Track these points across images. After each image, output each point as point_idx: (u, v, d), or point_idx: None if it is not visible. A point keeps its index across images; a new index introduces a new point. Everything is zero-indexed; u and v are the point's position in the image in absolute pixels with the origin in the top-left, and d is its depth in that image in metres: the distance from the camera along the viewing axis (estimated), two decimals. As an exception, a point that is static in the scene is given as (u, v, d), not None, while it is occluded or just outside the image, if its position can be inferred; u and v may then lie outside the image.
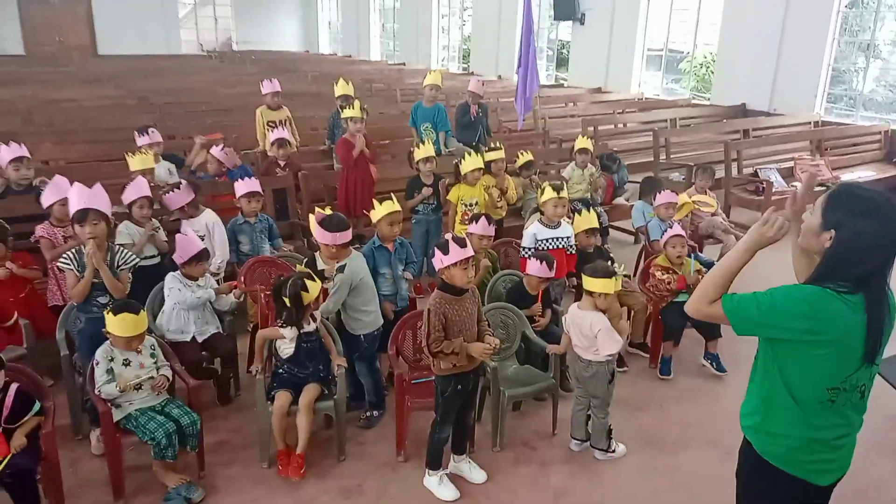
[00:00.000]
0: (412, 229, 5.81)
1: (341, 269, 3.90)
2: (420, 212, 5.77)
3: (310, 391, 3.61)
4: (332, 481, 3.59)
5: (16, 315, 4.06)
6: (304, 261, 4.37)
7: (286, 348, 3.64)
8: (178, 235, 4.22)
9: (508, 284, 4.55)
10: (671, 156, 8.85)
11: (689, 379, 4.69)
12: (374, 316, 4.03)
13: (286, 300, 3.55)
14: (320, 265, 4.12)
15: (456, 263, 3.21)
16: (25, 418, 3.09)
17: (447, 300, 3.28)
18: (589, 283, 3.63)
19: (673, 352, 4.70)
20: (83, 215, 3.59)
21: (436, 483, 3.49)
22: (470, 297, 3.36)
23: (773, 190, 7.68)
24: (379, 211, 4.25)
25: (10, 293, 4.21)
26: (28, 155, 5.11)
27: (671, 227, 4.80)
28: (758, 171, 8.34)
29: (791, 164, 8.66)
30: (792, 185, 8.21)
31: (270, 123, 6.96)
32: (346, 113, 6.03)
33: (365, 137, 6.01)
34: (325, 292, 3.86)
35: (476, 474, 3.60)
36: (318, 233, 3.90)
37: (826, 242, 2.02)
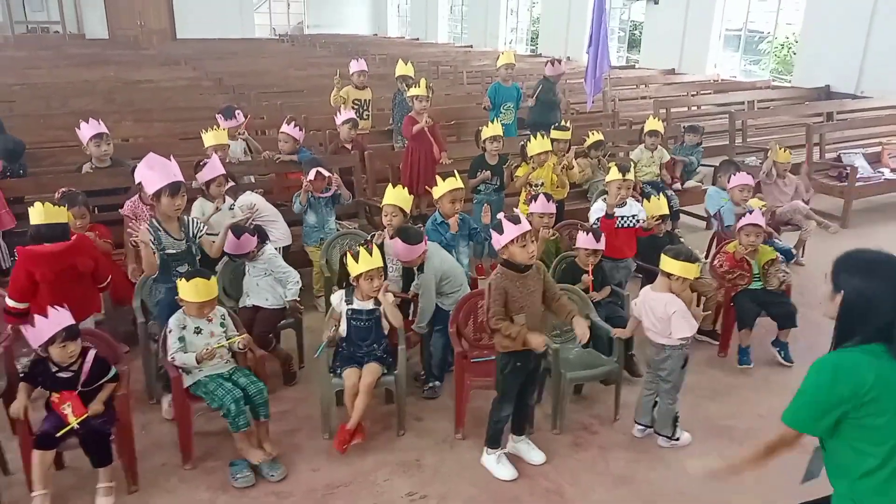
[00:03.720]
0: (473, 209, 5.77)
1: (421, 270, 3.91)
2: (482, 192, 5.73)
3: (370, 373, 3.62)
4: (390, 455, 3.62)
5: (109, 277, 4.12)
6: (371, 236, 4.39)
7: (342, 326, 3.68)
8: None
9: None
10: (748, 139, 8.48)
11: (760, 368, 4.50)
12: (462, 290, 4.07)
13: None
14: (387, 242, 4.13)
15: (513, 241, 3.17)
16: (101, 381, 3.24)
17: (509, 276, 3.23)
18: (669, 264, 3.51)
19: (749, 340, 4.53)
20: (177, 188, 3.71)
21: (494, 462, 3.48)
22: (534, 275, 3.30)
23: (858, 176, 7.27)
24: (441, 187, 4.24)
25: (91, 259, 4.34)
26: (107, 131, 5.29)
27: (750, 213, 4.57)
28: (841, 155, 7.90)
29: (879, 148, 8.15)
30: (878, 171, 7.75)
31: (356, 102, 7.03)
32: (412, 91, 6.03)
33: (431, 120, 6.00)
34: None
35: (535, 455, 3.56)
36: (398, 248, 3.88)
37: (838, 306, 2.11)
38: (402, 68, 7.06)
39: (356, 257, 3.58)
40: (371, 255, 3.60)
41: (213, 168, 4.57)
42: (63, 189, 4.55)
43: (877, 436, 2.04)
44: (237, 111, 6.18)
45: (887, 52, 9.66)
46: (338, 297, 3.72)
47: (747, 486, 3.40)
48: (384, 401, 3.98)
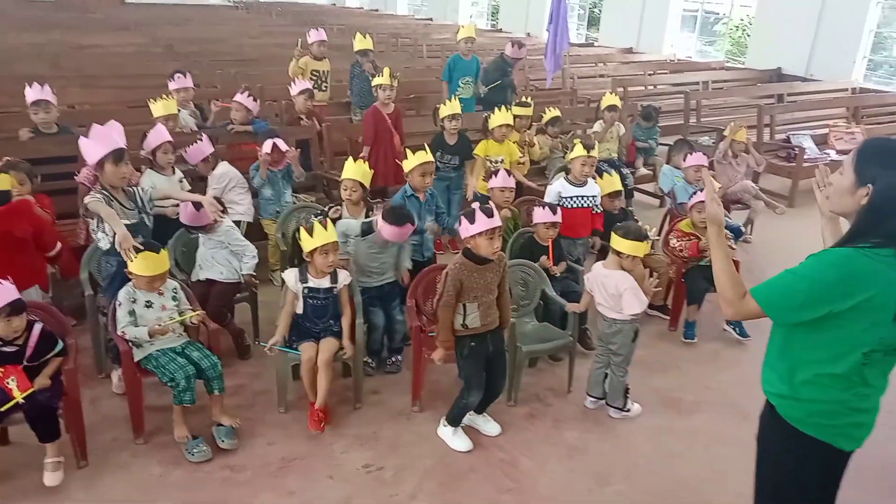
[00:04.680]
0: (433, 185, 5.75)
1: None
2: (440, 169, 5.70)
3: (327, 348, 3.60)
4: (347, 429, 3.63)
5: (59, 245, 3.98)
6: (329, 208, 4.33)
7: (298, 304, 3.64)
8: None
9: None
10: (702, 119, 8.65)
11: (709, 343, 4.64)
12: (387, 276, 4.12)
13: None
14: (345, 216, 4.09)
15: (482, 233, 3.18)
16: (48, 356, 3.15)
17: (468, 267, 3.25)
18: (619, 243, 3.57)
19: (696, 316, 4.65)
20: (121, 155, 3.56)
21: (450, 433, 3.52)
22: (494, 267, 3.31)
23: (805, 157, 7.49)
24: (412, 160, 4.22)
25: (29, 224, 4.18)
26: (50, 99, 5.04)
27: (700, 192, 4.68)
28: (790, 137, 8.13)
29: (826, 130, 8.41)
30: (825, 153, 8.00)
31: (314, 73, 6.86)
32: (376, 81, 5.91)
33: (396, 109, 5.93)
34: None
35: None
36: (386, 231, 3.81)
37: (862, 199, 1.96)
38: (361, 42, 6.90)
39: (311, 231, 3.54)
40: (326, 230, 3.56)
41: (159, 134, 4.44)
42: (7, 158, 4.36)
43: (846, 340, 1.98)
44: (179, 74, 5.93)
45: (836, 37, 9.93)
46: (292, 275, 3.65)
47: (695, 456, 3.53)
48: (341, 374, 3.98)
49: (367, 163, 4.31)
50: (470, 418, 3.63)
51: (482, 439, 3.56)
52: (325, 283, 3.64)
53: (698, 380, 4.21)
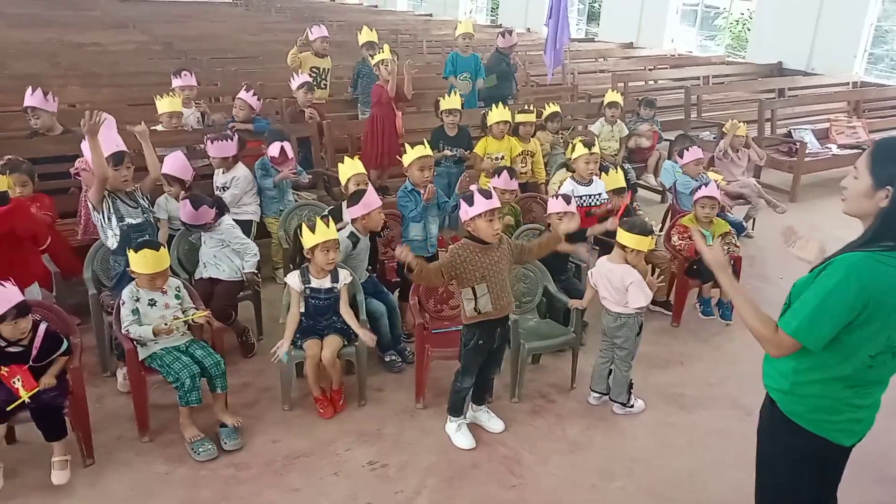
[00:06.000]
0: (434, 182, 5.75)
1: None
2: (442, 164, 5.70)
3: (330, 345, 3.63)
4: (351, 425, 3.64)
5: (49, 239, 4.02)
6: (328, 209, 4.36)
7: (301, 305, 3.66)
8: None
9: (532, 239, 4.50)
10: (703, 114, 8.64)
11: (711, 339, 4.66)
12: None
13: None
14: (346, 219, 4.09)
15: (481, 215, 3.16)
16: (54, 355, 3.16)
17: (471, 247, 3.24)
18: (625, 237, 3.58)
19: (711, 293, 4.72)
20: (120, 158, 3.58)
21: (454, 430, 3.53)
22: (498, 250, 3.29)
23: (807, 151, 7.49)
24: (410, 155, 4.23)
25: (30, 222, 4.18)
26: (39, 105, 4.96)
27: (705, 186, 4.69)
28: (791, 131, 8.12)
29: (827, 125, 8.40)
30: (826, 147, 8.00)
31: (314, 70, 6.83)
32: (377, 57, 5.93)
33: (398, 88, 5.91)
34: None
35: (494, 424, 3.63)
36: (351, 211, 3.87)
37: (882, 202, 1.93)
38: (367, 34, 6.83)
39: (312, 228, 3.55)
40: (327, 227, 3.56)
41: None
42: (8, 157, 4.36)
43: (854, 343, 1.97)
44: (184, 72, 5.96)
45: (837, 31, 9.91)
46: (294, 277, 3.67)
47: (697, 451, 3.55)
48: (344, 372, 3.98)
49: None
50: (474, 415, 3.64)
51: (486, 436, 3.57)
52: (326, 282, 3.65)
53: (700, 375, 4.23)
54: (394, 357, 4.14)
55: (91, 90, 7.32)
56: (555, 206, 4.23)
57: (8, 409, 2.98)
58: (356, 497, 3.16)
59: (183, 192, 4.38)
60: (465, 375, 3.46)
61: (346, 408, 3.75)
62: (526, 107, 6.03)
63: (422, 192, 4.30)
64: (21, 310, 3.03)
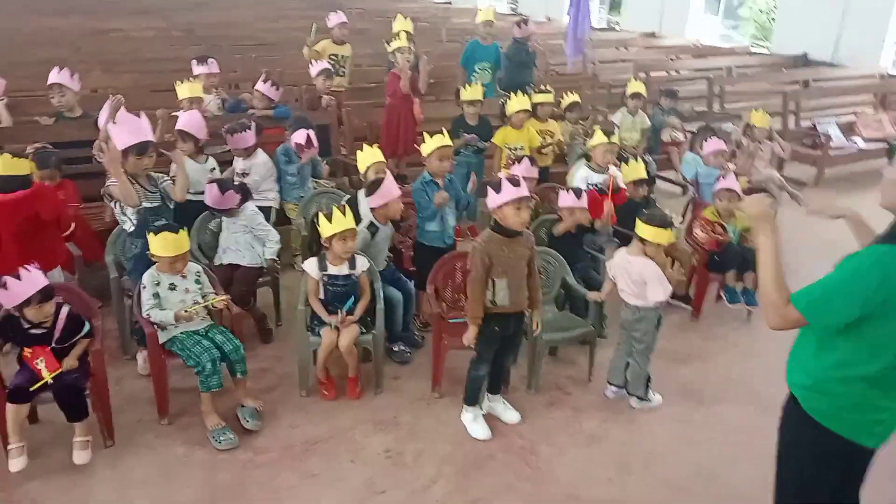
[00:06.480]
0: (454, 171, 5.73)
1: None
2: (461, 153, 5.68)
3: (348, 333, 3.63)
4: (367, 412, 3.66)
5: (73, 225, 4.09)
6: (346, 198, 4.35)
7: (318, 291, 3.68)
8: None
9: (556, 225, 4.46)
10: (726, 105, 8.52)
11: (732, 334, 4.61)
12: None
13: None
14: (363, 208, 4.07)
15: (508, 203, 3.13)
16: (76, 338, 3.19)
17: (496, 241, 3.21)
18: (644, 230, 3.53)
19: (736, 282, 4.66)
20: (144, 148, 3.60)
21: (470, 420, 3.53)
22: (522, 242, 3.27)
23: (831, 144, 7.37)
24: (429, 144, 4.20)
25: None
26: (65, 83, 5.04)
27: (724, 178, 4.63)
28: (816, 124, 7.99)
29: (852, 117, 8.25)
30: (851, 140, 7.86)
31: (332, 57, 6.80)
32: (394, 44, 5.90)
33: (414, 75, 5.89)
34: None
35: (510, 415, 3.62)
36: (370, 201, 3.88)
37: None
38: (402, 23, 6.53)
39: (329, 218, 3.55)
40: (344, 216, 3.57)
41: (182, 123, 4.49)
42: (37, 144, 4.40)
43: (882, 341, 1.94)
44: (209, 59, 6.01)
45: (863, 22, 9.71)
46: (312, 264, 3.68)
47: (715, 446, 3.52)
48: (361, 359, 3.99)
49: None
50: (490, 405, 3.64)
51: (502, 427, 3.57)
52: (343, 269, 3.66)
53: (720, 370, 4.19)
54: (402, 347, 4.14)
55: (112, 76, 7.38)
56: (565, 200, 4.19)
57: (31, 389, 3.02)
58: (373, 483, 3.17)
59: (195, 149, 4.49)
60: (479, 362, 3.45)
61: (362, 395, 3.76)
62: (544, 87, 5.96)
63: (439, 182, 4.27)
64: (45, 294, 3.07)
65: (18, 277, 3.01)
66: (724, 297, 4.72)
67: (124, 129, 3.57)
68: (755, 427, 3.54)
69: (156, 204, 3.73)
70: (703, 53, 11.16)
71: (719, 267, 4.63)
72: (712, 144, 5.27)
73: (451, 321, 3.86)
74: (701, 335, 4.58)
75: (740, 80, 9.48)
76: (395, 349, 4.13)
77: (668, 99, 7.01)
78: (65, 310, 3.19)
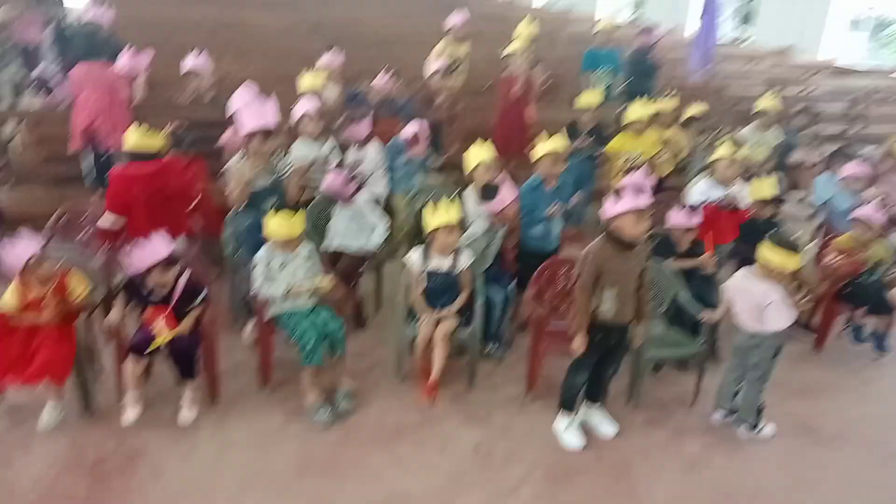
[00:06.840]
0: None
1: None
2: (571, 159, 5.54)
3: (446, 324, 3.63)
4: (461, 405, 3.64)
5: (199, 197, 4.33)
6: (454, 193, 4.33)
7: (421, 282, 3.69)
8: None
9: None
10: (865, 130, 7.90)
11: (857, 372, 4.25)
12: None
13: None
14: (469, 205, 4.04)
15: (627, 212, 2.99)
16: (194, 304, 3.36)
17: (608, 250, 3.08)
18: (770, 253, 3.27)
19: (863, 320, 4.35)
20: (269, 132, 3.75)
21: (563, 427, 3.42)
22: (637, 253, 3.13)
23: None
24: (544, 146, 4.11)
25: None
26: (198, 70, 5.41)
27: (864, 205, 4.26)
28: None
29: None
30: None
31: (449, 56, 6.89)
32: (508, 49, 5.88)
33: (527, 79, 5.85)
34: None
35: (606, 427, 3.49)
36: (489, 206, 3.89)
37: None
38: (527, 26, 6.58)
39: (435, 210, 3.54)
40: (451, 210, 3.55)
41: (300, 106, 4.64)
42: (176, 122, 4.68)
43: None
44: (333, 49, 6.24)
45: None
46: (416, 256, 3.70)
47: (828, 491, 3.23)
48: (456, 354, 3.97)
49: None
50: (586, 415, 3.51)
51: (596, 439, 3.44)
52: (445, 264, 3.64)
53: (840, 409, 3.85)
54: (495, 346, 4.10)
55: (242, 63, 7.77)
56: (677, 218, 3.96)
57: (150, 348, 3.20)
58: (460, 477, 3.14)
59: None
60: (578, 369, 3.34)
61: (438, 397, 3.68)
62: (668, 93, 5.74)
63: (549, 185, 4.17)
64: (171, 259, 3.25)
65: (148, 242, 3.20)
66: (847, 334, 4.35)
67: (250, 112, 3.71)
68: (874, 478, 3.24)
69: (268, 183, 3.85)
70: (841, 73, 10.41)
71: (852, 300, 4.26)
72: (852, 168, 4.88)
73: (551, 327, 3.76)
74: (823, 369, 4.25)
75: (883, 104, 8.76)
76: (489, 347, 4.08)
77: (805, 117, 6.56)
78: (184, 276, 3.36)
